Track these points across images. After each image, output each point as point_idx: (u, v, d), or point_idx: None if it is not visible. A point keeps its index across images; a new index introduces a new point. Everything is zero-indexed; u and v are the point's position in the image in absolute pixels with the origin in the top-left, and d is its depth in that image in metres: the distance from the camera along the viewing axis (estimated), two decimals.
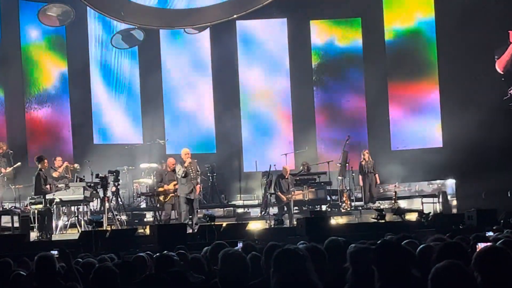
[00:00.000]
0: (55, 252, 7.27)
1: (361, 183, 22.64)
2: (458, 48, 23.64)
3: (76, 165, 19.79)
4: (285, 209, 20.63)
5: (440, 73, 25.08)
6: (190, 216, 18.01)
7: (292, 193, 20.68)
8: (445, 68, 24.64)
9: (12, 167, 19.12)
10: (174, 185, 18.79)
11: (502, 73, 23.35)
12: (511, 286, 4.56)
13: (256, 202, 23.51)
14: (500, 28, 23.47)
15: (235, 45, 25.91)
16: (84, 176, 18.23)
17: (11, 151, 19.68)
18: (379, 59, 25.39)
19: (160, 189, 19.29)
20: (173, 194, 18.88)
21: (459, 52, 23.65)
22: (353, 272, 5.87)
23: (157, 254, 7.83)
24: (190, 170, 18.05)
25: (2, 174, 18.93)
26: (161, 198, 19.28)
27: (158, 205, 19.74)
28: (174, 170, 18.85)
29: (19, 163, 19.36)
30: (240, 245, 8.81)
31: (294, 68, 25.99)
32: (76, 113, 23.87)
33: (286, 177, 20.98)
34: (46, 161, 17.35)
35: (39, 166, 17.07)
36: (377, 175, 22.32)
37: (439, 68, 25.12)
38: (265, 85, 26.10)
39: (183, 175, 17.97)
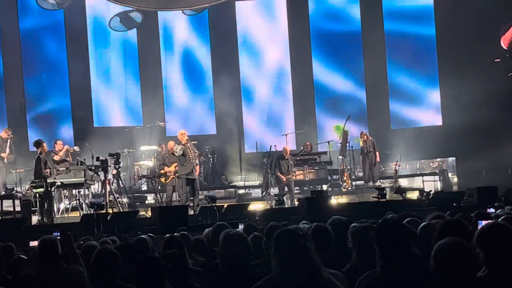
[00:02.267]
0: (57, 234, 7.27)
1: (361, 163, 22.70)
2: (458, 23, 23.55)
3: (76, 147, 19.78)
4: (286, 189, 20.66)
5: (439, 50, 25.02)
6: (192, 198, 18.06)
7: (292, 173, 20.70)
8: (445, 45, 24.58)
9: (8, 147, 19.13)
10: (175, 166, 18.82)
11: (506, 49, 23.28)
12: None
13: (257, 183, 23.54)
14: (504, 4, 23.37)
15: (234, 25, 25.82)
16: (84, 159, 18.22)
17: (12, 135, 19.68)
18: (378, 41, 25.35)
19: (162, 171, 19.33)
20: (173, 176, 18.91)
21: (459, 28, 23.58)
22: (355, 251, 5.89)
23: (166, 236, 7.82)
24: (188, 150, 18.09)
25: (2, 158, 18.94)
26: (162, 180, 19.33)
27: (159, 187, 19.78)
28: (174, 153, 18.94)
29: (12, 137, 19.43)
30: (241, 227, 8.82)
31: (294, 46, 25.91)
32: (75, 96, 23.83)
33: (286, 157, 20.99)
34: (44, 144, 17.31)
35: (39, 150, 17.04)
36: (377, 153, 22.33)
37: (438, 45, 25.06)
38: (265, 64, 26.04)
39: (181, 153, 18.01)
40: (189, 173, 18.09)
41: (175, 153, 18.26)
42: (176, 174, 18.52)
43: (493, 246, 4.60)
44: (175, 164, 18.83)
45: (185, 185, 18.11)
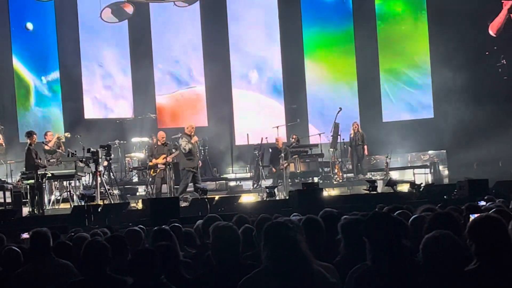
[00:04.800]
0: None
1: (349, 155, 22.69)
2: (451, 16, 23.56)
3: (66, 134, 19.72)
4: (278, 181, 20.66)
5: (431, 42, 25.04)
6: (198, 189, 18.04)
7: (283, 164, 20.57)
8: (437, 37, 24.59)
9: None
10: (163, 158, 18.80)
11: (494, 35, 23.34)
12: (504, 254, 4.58)
13: (248, 175, 23.52)
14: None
15: (225, 16, 25.75)
16: (75, 151, 18.19)
17: (2, 126, 19.61)
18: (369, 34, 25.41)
19: (150, 163, 19.26)
20: (163, 167, 18.87)
21: (451, 20, 23.59)
22: (345, 244, 5.89)
23: (155, 228, 7.81)
24: (196, 145, 18.35)
25: None
26: (151, 172, 19.25)
27: (150, 179, 19.76)
28: (164, 144, 18.96)
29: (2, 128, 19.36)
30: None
31: (285, 38, 25.89)
32: (66, 88, 23.75)
33: (279, 148, 21.01)
34: (35, 136, 17.27)
35: (29, 141, 17.00)
36: (365, 146, 22.32)
37: (430, 37, 25.08)
38: (256, 56, 26.01)
39: (188, 150, 18.12)
40: (195, 167, 18.30)
41: (182, 150, 18.32)
42: (166, 166, 18.53)
43: (484, 238, 4.62)
44: (164, 155, 18.84)
45: (191, 177, 18.35)
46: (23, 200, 16.27)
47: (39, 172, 16.27)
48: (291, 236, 4.50)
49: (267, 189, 18.15)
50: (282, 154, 20.79)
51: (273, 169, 20.76)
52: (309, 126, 25.29)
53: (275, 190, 18.37)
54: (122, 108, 24.91)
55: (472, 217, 6.18)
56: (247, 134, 24.29)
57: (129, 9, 24.62)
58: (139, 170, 21.36)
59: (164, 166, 18.85)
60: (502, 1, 23.50)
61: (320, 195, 15.65)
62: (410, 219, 6.44)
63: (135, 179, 22.02)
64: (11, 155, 19.81)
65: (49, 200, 17.18)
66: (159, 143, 19.34)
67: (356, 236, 5.29)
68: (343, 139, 22.76)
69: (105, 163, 18.70)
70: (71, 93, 23.80)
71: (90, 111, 24.43)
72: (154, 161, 19.19)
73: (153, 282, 5.37)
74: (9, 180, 18.76)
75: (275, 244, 4.47)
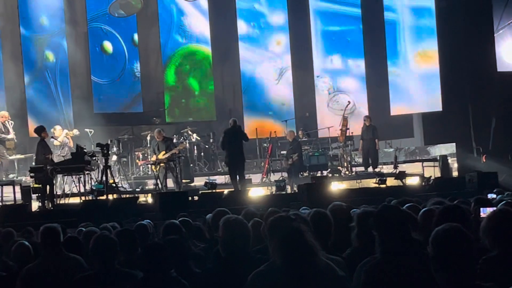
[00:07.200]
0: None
1: (360, 148, 22.68)
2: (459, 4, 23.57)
3: (74, 130, 19.74)
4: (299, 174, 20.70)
5: (439, 34, 24.99)
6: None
7: (290, 158, 20.56)
8: (445, 28, 24.56)
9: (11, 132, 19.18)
10: (164, 154, 18.78)
11: None
12: None
13: (257, 169, 23.51)
14: None
15: (234, 9, 25.70)
16: (85, 145, 18.20)
17: (12, 121, 19.67)
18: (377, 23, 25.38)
19: (151, 158, 19.21)
20: (162, 164, 18.78)
21: (459, 8, 23.56)
22: (358, 234, 5.87)
23: (165, 222, 7.82)
24: None
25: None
26: (152, 167, 19.18)
27: (157, 174, 19.77)
28: (164, 139, 18.94)
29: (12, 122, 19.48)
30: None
31: (293, 31, 25.87)
32: (75, 82, 23.77)
33: (291, 141, 21.04)
34: (45, 130, 17.31)
35: (42, 136, 17.01)
36: (376, 140, 22.27)
37: (438, 28, 25.05)
38: (264, 51, 25.99)
39: None
40: None
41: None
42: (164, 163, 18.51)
43: (499, 232, 4.63)
44: (163, 152, 18.83)
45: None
46: (33, 195, 16.29)
47: (48, 167, 16.29)
48: (294, 227, 4.52)
49: (276, 183, 18.16)
50: (291, 148, 20.79)
51: (288, 162, 20.67)
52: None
53: (285, 183, 18.34)
54: (132, 102, 24.88)
55: (483, 210, 6.16)
56: (256, 128, 24.26)
57: (138, 3, 24.60)
58: (149, 164, 21.38)
59: (164, 162, 18.73)
60: None
61: (329, 188, 15.66)
62: (420, 212, 6.43)
63: (145, 173, 22.04)
64: (20, 150, 19.85)
65: (59, 195, 17.20)
66: (158, 139, 19.28)
67: (369, 229, 5.29)
68: (352, 133, 22.74)
69: (115, 157, 18.73)
70: (80, 87, 23.80)
71: (100, 105, 24.41)
72: (154, 157, 19.14)
73: (163, 276, 5.39)
74: (19, 175, 18.82)
75: (279, 237, 4.49)
